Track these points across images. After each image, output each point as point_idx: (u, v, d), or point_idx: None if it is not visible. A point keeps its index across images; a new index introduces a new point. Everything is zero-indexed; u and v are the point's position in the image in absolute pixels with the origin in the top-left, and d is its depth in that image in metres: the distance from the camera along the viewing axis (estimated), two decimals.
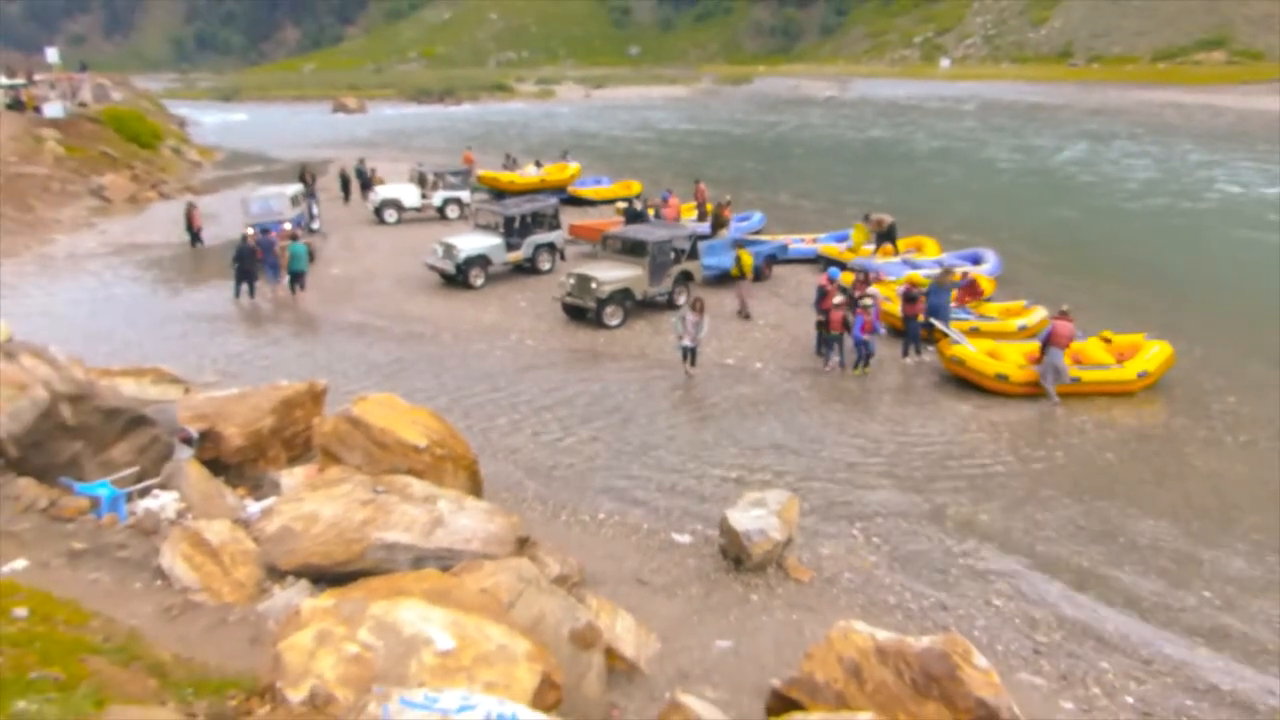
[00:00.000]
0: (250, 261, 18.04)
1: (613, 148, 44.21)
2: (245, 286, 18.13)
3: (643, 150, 43.42)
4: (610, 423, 12.43)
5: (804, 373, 14.47)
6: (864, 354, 14.22)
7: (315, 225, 24.10)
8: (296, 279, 18.46)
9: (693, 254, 18.18)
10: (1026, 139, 45.52)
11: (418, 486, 7.39)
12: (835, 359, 14.28)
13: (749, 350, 15.52)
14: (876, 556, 9.08)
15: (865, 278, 15.42)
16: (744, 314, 17.68)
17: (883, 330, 14.33)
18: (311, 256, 20.68)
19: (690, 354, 13.88)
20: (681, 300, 17.98)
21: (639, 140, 48.46)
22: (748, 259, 17.61)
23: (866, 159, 40.46)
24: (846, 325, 14.11)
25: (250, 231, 18.70)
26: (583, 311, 17.01)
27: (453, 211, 26.68)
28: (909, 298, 14.60)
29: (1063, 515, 9.90)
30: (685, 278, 18.05)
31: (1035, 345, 13.46)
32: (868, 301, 14.13)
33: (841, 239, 21.57)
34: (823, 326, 14.41)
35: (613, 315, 16.70)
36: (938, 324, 14.55)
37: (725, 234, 20.31)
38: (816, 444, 11.78)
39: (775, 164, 38.33)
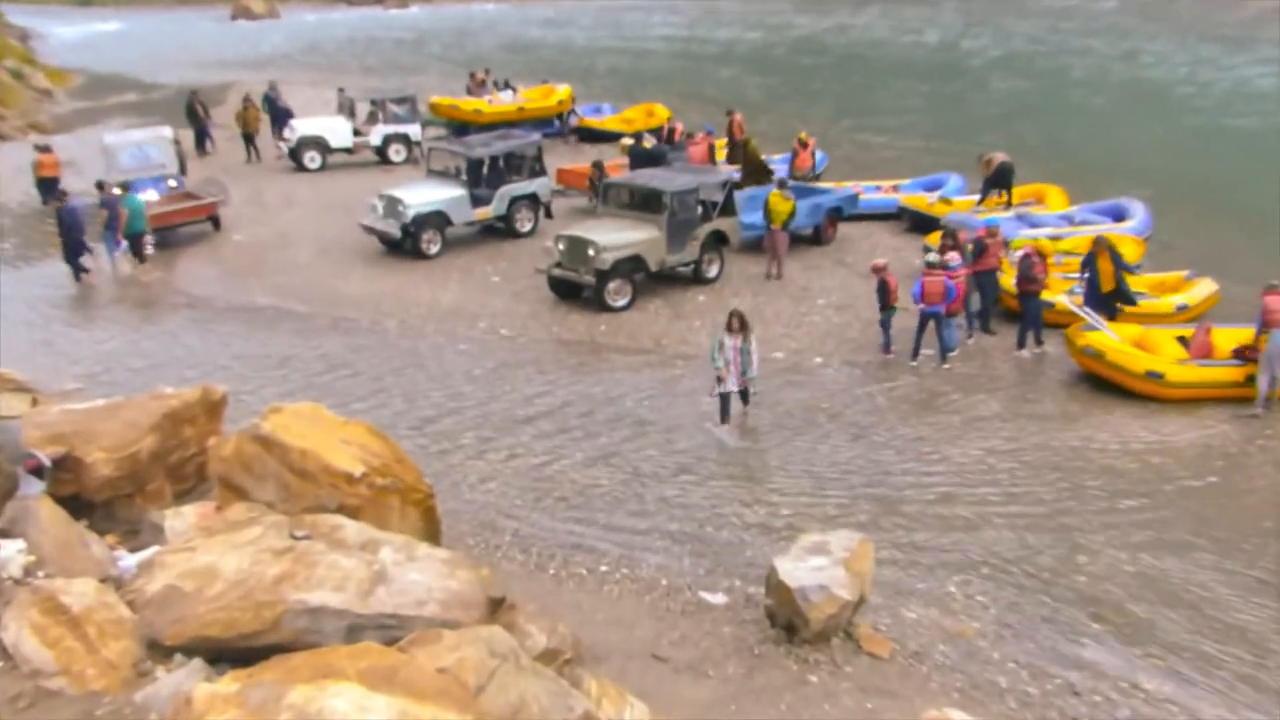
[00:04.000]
0: (78, 229, 17.75)
1: (600, 62, 44.11)
2: (98, 259, 18.20)
3: (643, 67, 43.33)
4: (615, 440, 12.51)
5: (882, 369, 14.47)
6: (946, 342, 14.51)
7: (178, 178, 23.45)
8: (136, 244, 18.53)
9: (727, 208, 18.24)
10: (1193, 49, 45.17)
11: (352, 529, 7.37)
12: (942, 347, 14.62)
13: (805, 339, 15.55)
14: (981, 622, 9.02)
15: (954, 240, 15.51)
16: (773, 274, 17.86)
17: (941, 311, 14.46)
18: (217, 223, 20.83)
19: (728, 402, 12.55)
20: (712, 271, 18.14)
21: (635, 52, 48.34)
22: (783, 204, 17.80)
23: (948, 73, 40.25)
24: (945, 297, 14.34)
25: (115, 189, 18.73)
26: (577, 289, 17.04)
27: (397, 153, 26.86)
28: (1028, 270, 14.68)
29: (1251, 569, 9.84)
30: (717, 241, 18.05)
31: (1190, 331, 13.58)
32: (954, 259, 14.43)
33: (935, 185, 21.54)
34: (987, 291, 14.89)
35: (618, 293, 16.78)
36: (1068, 303, 14.63)
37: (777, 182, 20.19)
38: (898, 467, 11.82)
39: (829, 83, 38.24)
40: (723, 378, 12.42)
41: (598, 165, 21.54)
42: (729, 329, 12.44)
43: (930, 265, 14.55)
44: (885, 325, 14.91)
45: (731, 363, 12.35)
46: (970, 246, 15.36)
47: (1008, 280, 15.43)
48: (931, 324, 14.50)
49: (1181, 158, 25.56)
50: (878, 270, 14.81)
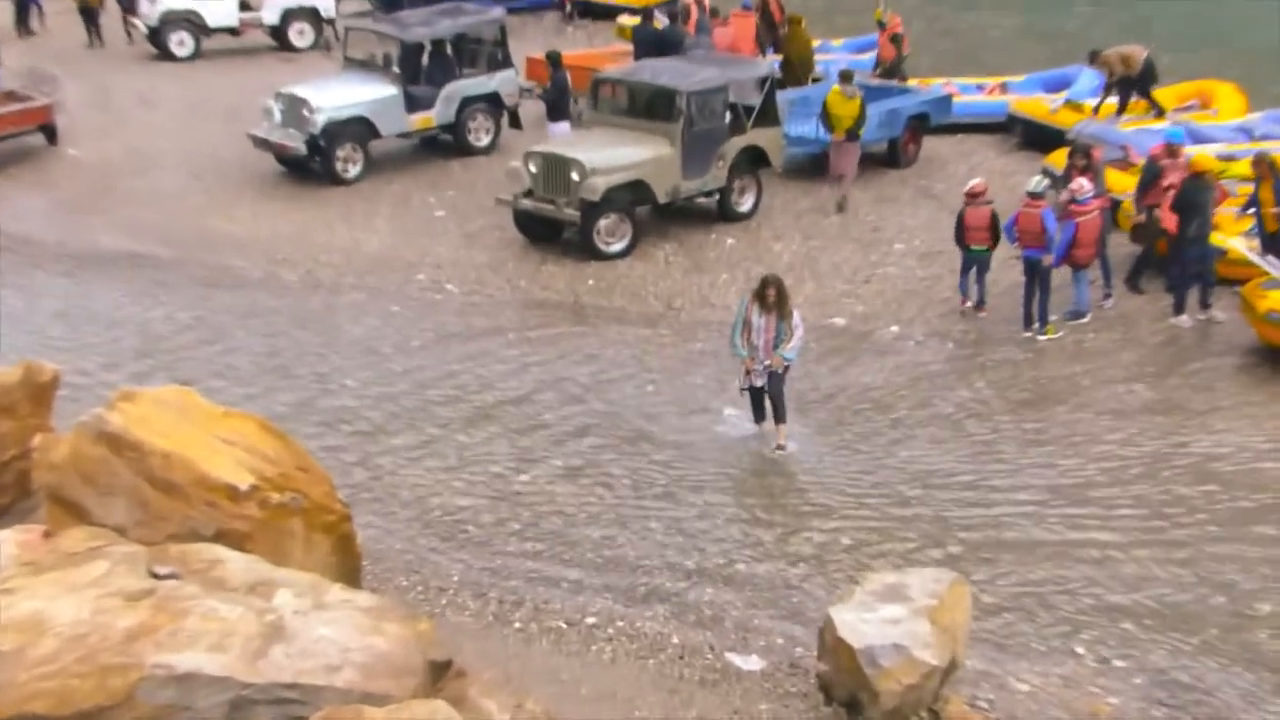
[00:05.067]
0: None
1: None
2: None
3: None
4: (608, 441, 12.52)
5: (985, 343, 14.47)
6: (1074, 304, 14.65)
7: None
8: None
9: (767, 115, 18.23)
10: None
11: (237, 565, 7.33)
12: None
13: (876, 301, 15.54)
14: (1123, 696, 8.89)
15: (1087, 160, 15.45)
16: (841, 203, 18.05)
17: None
18: (51, 135, 20.67)
19: (761, 397, 12.35)
20: (746, 204, 18.12)
21: None
22: (846, 105, 17.84)
23: None
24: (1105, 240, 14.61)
25: None
26: (556, 228, 17.10)
27: (301, 34, 26.97)
28: (1191, 199, 14.57)
29: None
30: (752, 162, 18.05)
31: None
32: (1084, 190, 14.45)
33: (1059, 84, 21.46)
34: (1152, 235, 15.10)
35: (612, 234, 16.87)
36: (1245, 250, 14.61)
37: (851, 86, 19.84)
38: (1004, 480, 11.82)
39: None
40: (749, 369, 12.13)
41: (551, 57, 21.03)
42: (760, 300, 11.96)
43: (1031, 194, 14.66)
44: (964, 271, 15.43)
45: (761, 350, 11.99)
46: (1139, 168, 15.36)
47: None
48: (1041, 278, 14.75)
49: None
50: (974, 197, 14.96)
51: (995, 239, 14.97)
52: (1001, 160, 20.17)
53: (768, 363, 11.99)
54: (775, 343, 11.96)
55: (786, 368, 12.12)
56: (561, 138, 18.58)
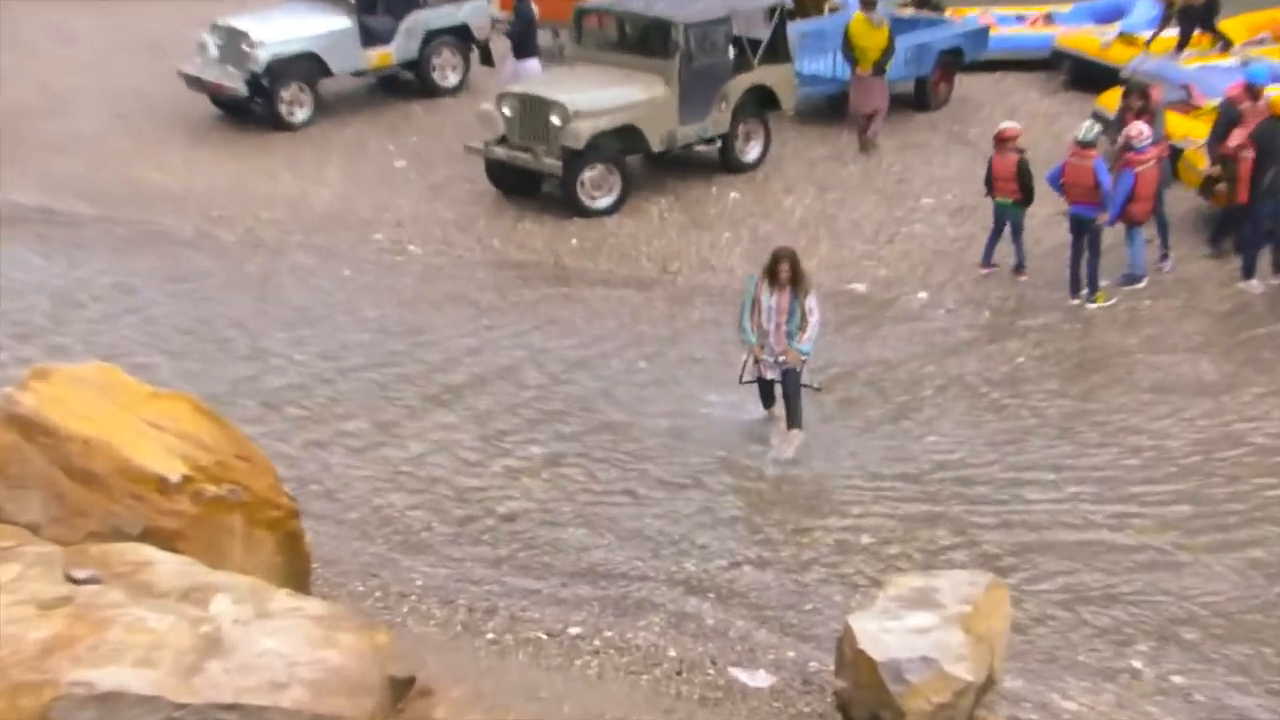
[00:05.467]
0: None
1: None
2: None
3: None
4: (593, 425, 12.56)
5: (1025, 311, 14.49)
6: (1129, 265, 14.70)
7: None
8: None
9: (775, 49, 18.22)
10: None
11: (167, 568, 7.32)
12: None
13: (901, 263, 15.54)
14: (1179, 717, 8.86)
15: (1144, 101, 15.46)
16: (867, 143, 18.14)
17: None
18: None
19: (771, 386, 12.35)
20: (752, 152, 18.14)
21: None
22: (872, 35, 17.87)
23: None
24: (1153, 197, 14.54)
25: None
26: (534, 180, 17.12)
27: None
28: (1267, 147, 14.51)
29: None
30: (759, 104, 18.06)
31: None
32: (1142, 136, 14.39)
33: (1112, 14, 21.36)
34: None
35: (598, 187, 16.87)
36: None
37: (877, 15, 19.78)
38: (1047, 469, 11.80)
39: None
40: (758, 358, 12.07)
41: None
42: (772, 277, 11.84)
43: (1080, 142, 14.54)
44: (995, 229, 15.52)
45: (773, 336, 11.89)
46: (1204, 111, 15.34)
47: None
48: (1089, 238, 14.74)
49: None
50: (1002, 142, 14.95)
51: (1025, 194, 14.91)
52: (1045, 102, 20.20)
53: (781, 357, 11.90)
54: (789, 331, 11.82)
55: (803, 362, 12.00)
56: (539, 77, 18.49)
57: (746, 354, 12.12)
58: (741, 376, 12.23)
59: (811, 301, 11.83)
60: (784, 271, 11.69)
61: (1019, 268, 15.49)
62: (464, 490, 11.43)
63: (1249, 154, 14.56)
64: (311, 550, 8.99)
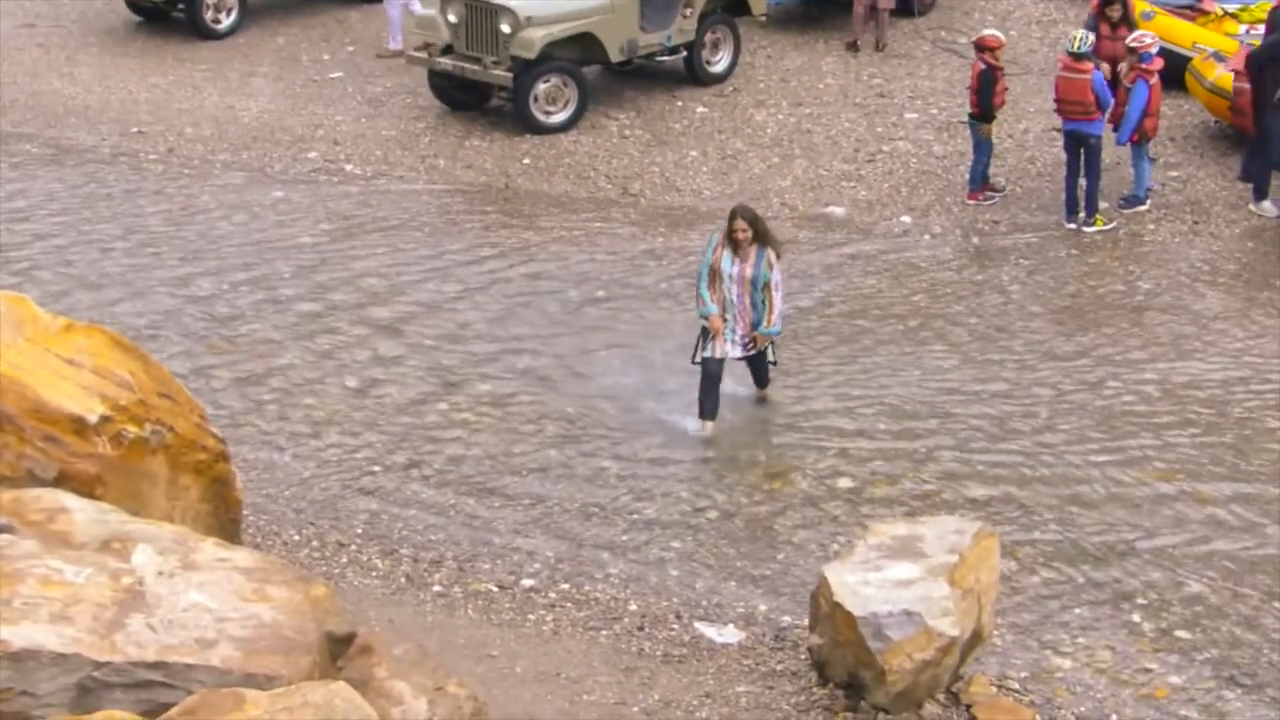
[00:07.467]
0: None
1: None
2: None
3: None
4: (548, 361, 12.56)
5: (1020, 237, 14.48)
6: (1135, 186, 14.66)
7: None
8: None
9: None
10: None
11: (84, 516, 7.35)
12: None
13: (883, 184, 15.50)
14: (1186, 675, 8.89)
15: (1124, 8, 15.58)
16: (879, 44, 18.36)
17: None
18: None
19: (717, 379, 11.68)
20: (720, 63, 18.04)
21: None
22: None
23: None
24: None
25: None
26: (482, 92, 17.13)
27: None
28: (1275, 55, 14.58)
29: None
30: (726, 9, 18.04)
31: None
32: (1148, 45, 14.42)
33: None
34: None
35: (552, 101, 16.78)
36: None
37: None
38: (1043, 410, 11.79)
39: None
40: (716, 331, 11.34)
41: None
42: (731, 240, 11.27)
43: (1073, 54, 14.32)
44: (977, 152, 15.29)
45: (736, 306, 11.30)
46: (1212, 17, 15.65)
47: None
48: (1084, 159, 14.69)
49: None
50: (984, 50, 14.75)
51: (983, 107, 14.65)
52: (1040, 6, 20.23)
53: (748, 340, 11.41)
54: (754, 301, 11.26)
55: (772, 343, 11.68)
56: None
57: (702, 328, 11.38)
58: (695, 355, 11.45)
59: (776, 274, 11.26)
60: (741, 232, 11.10)
61: (971, 188, 15.35)
62: (408, 431, 11.55)
63: None
64: (242, 496, 9.06)
